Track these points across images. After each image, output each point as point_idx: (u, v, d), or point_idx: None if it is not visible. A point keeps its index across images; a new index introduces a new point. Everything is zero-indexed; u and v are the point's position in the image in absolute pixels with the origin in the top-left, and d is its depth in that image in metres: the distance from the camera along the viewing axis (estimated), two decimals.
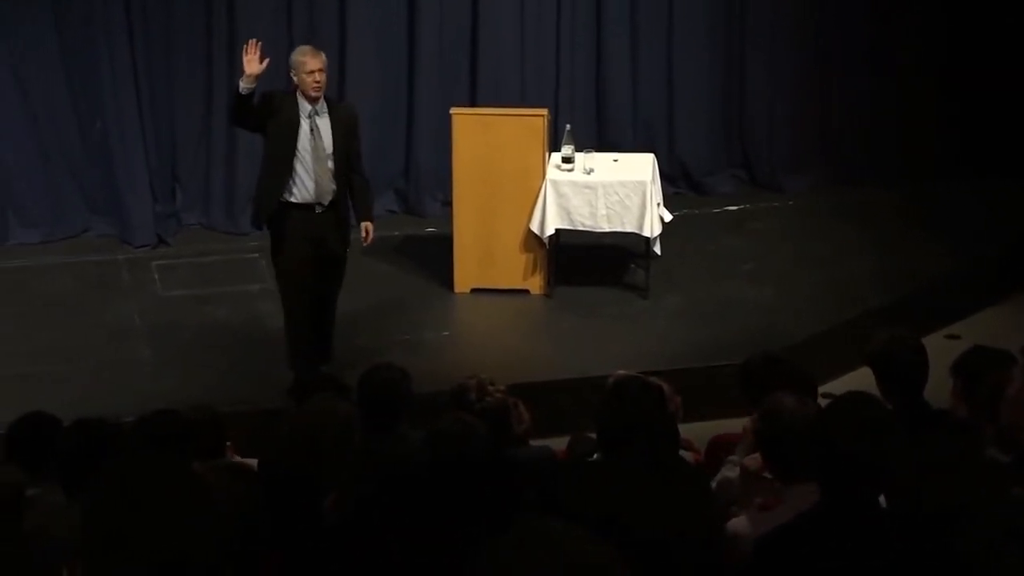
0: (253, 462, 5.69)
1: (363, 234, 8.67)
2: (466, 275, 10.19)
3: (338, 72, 11.06)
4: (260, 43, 8.17)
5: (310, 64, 8.19)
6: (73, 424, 5.91)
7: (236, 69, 10.88)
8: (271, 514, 4.33)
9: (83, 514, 2.69)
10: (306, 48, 8.48)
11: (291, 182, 8.25)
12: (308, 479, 4.76)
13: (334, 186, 8.32)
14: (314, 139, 8.24)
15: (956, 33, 12.09)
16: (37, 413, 6.08)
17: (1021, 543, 2.20)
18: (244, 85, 8.08)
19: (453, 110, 10.20)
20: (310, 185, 8.26)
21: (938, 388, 5.86)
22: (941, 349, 6.88)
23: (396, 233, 11.03)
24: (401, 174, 11.52)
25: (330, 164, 8.28)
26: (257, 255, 10.43)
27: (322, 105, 8.29)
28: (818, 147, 12.23)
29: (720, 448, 6.24)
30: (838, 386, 7.81)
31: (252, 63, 8.07)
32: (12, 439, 5.90)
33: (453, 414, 5.78)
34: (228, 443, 6.26)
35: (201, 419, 6.28)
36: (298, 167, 8.23)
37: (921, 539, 2.27)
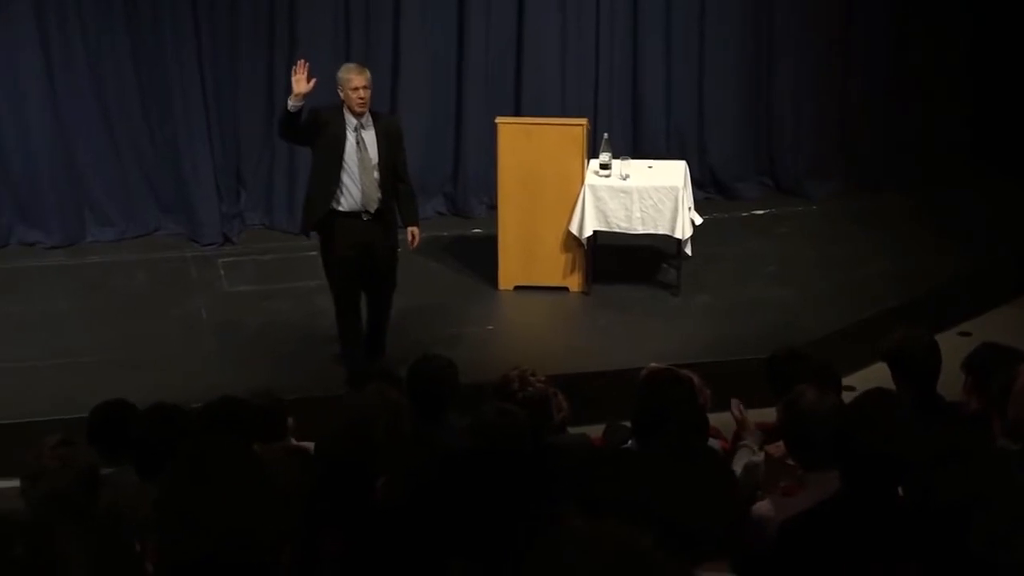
0: (310, 446, 5.72)
1: (409, 238, 8.68)
2: (509, 273, 10.19)
3: (391, 85, 11.13)
4: (308, 64, 8.19)
5: (355, 81, 8.20)
6: (146, 410, 5.95)
7: None
8: (326, 495, 4.35)
9: (157, 494, 2.71)
10: (351, 66, 8.48)
11: (339, 192, 8.26)
12: (361, 463, 4.78)
13: (379, 195, 8.32)
14: (360, 151, 8.24)
15: (972, 46, 12.03)
16: (114, 400, 6.13)
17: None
18: (292, 103, 8.11)
19: (498, 119, 10.19)
20: (357, 194, 8.27)
21: (951, 382, 5.83)
22: (954, 346, 6.86)
23: (445, 234, 11.05)
24: (450, 179, 11.54)
25: (376, 174, 8.28)
26: (315, 253, 10.34)
27: (367, 119, 8.30)
28: (839, 156, 12.18)
29: (744, 436, 6.23)
30: (856, 380, 7.78)
31: (300, 83, 8.09)
32: (92, 424, 5.96)
33: (496, 403, 5.79)
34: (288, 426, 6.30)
35: (264, 405, 6.32)
36: (345, 178, 8.24)
37: (936, 526, 2.26)
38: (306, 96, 8.10)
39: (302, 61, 8.24)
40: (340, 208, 8.30)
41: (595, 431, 6.78)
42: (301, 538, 3.69)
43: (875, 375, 6.64)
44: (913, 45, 12.03)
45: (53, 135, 10.88)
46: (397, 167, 8.46)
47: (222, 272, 10.64)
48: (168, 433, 5.61)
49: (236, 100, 11.24)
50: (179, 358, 9.11)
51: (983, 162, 11.94)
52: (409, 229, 8.68)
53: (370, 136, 8.29)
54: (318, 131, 8.24)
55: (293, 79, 8.15)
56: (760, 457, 5.67)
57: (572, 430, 6.69)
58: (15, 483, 5.05)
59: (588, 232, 9.90)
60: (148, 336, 9.47)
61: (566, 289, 10.15)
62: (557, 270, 10.15)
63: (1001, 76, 12.02)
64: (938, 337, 6.43)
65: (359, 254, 8.41)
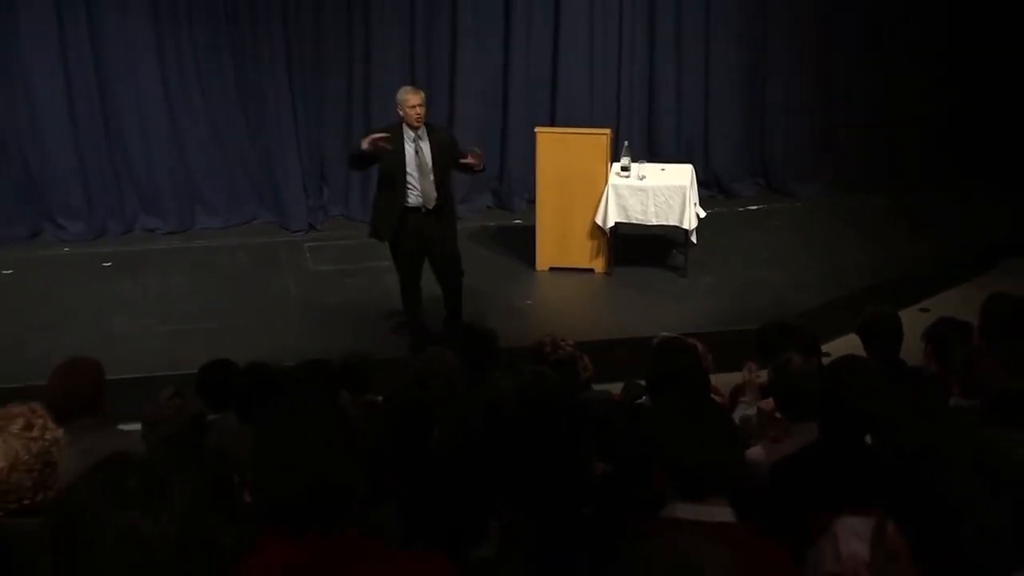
0: (380, 399, 5.73)
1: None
2: (545, 257, 10.19)
3: (449, 103, 11.16)
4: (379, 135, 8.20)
5: (412, 100, 8.21)
6: (246, 367, 6.00)
7: (371, 95, 11.06)
8: (391, 441, 4.36)
9: (254, 437, 2.72)
10: (408, 88, 8.47)
11: (404, 192, 8.26)
12: (420, 414, 4.79)
13: (435, 193, 8.31)
14: (418, 158, 8.24)
15: (937, 67, 11.94)
16: (219, 360, 6.17)
17: (985, 476, 2.16)
18: (365, 147, 8.11)
19: (537, 130, 10.18)
20: (417, 193, 8.28)
21: (913, 350, 5.81)
22: (915, 320, 6.81)
23: (491, 224, 11.06)
24: (496, 179, 11.54)
25: (432, 176, 8.28)
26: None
27: (423, 131, 8.28)
28: (822, 161, 12.11)
29: (740, 394, 6.22)
30: (833, 347, 7.73)
31: (373, 144, 8.08)
32: (200, 379, 6.01)
33: (532, 365, 5.79)
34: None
35: (356, 363, 6.37)
36: (409, 180, 8.25)
37: (899, 470, 2.25)
38: (379, 147, 8.10)
39: (380, 137, 8.21)
40: (407, 203, 8.31)
41: (615, 388, 6.78)
42: (371, 479, 3.70)
43: (849, 343, 6.61)
44: (886, 66, 11.94)
45: (170, 141, 10.95)
46: (455, 160, 8.42)
47: (308, 255, 10.67)
48: (263, 386, 5.65)
49: (320, 112, 11.28)
50: (272, 325, 9.14)
51: (945, 168, 11.84)
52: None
53: (426, 145, 8.27)
54: (384, 151, 8.21)
55: (365, 141, 8.13)
56: (753, 411, 5.66)
57: (596, 387, 6.69)
58: (137, 427, 5.10)
59: (611, 223, 9.88)
60: (246, 307, 9.51)
61: (592, 270, 10.13)
62: (585, 254, 10.13)
63: (962, 95, 11.91)
64: (902, 313, 6.39)
65: (419, 241, 8.41)
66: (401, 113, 8.26)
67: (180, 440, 4.77)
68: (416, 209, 8.31)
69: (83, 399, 5.05)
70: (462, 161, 8.35)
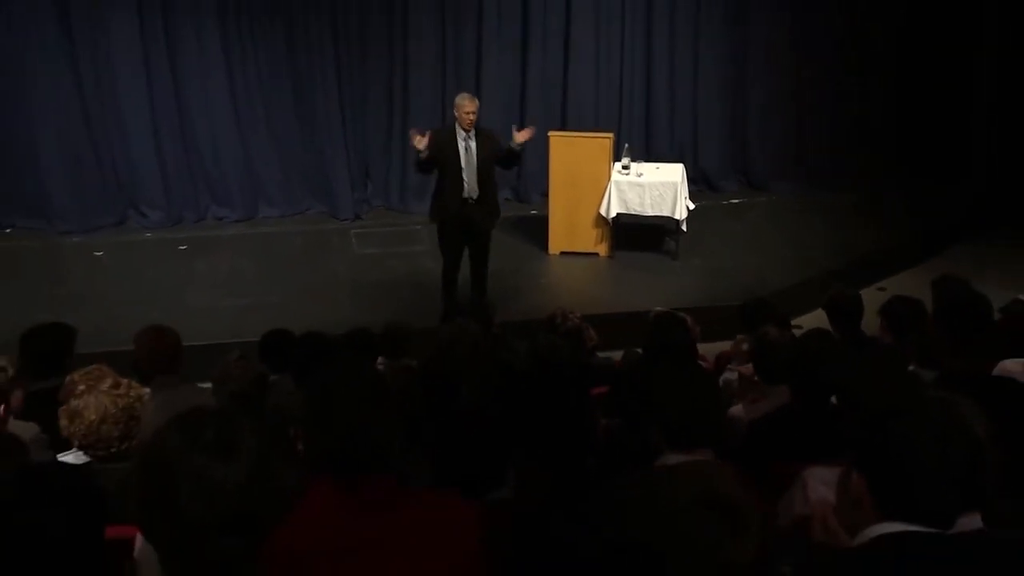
0: (414, 363, 5.72)
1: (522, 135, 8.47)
2: (556, 242, 10.17)
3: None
4: (417, 129, 8.23)
5: (467, 107, 8.25)
6: (301, 335, 6.00)
7: (408, 103, 11.04)
8: (424, 399, 4.35)
9: (304, 396, 2.72)
10: (466, 95, 8.49)
11: (458, 184, 8.30)
12: (449, 376, 4.78)
13: (479, 185, 8.34)
14: (468, 155, 8.28)
15: (896, 79, 11.88)
16: (278, 329, 6.18)
17: (937, 431, 2.14)
18: (424, 153, 8.15)
19: (550, 133, 10.16)
20: (467, 185, 8.32)
21: (871, 323, 5.78)
22: (873, 298, 6.77)
23: (511, 214, 10.96)
24: (515, 176, 11.49)
25: (477, 171, 8.31)
26: (420, 227, 10.48)
27: (472, 133, 8.30)
28: (796, 161, 12.03)
29: (723, 360, 6.20)
30: (804, 320, 7.72)
31: (420, 143, 8.10)
32: (262, 345, 6.00)
33: (545, 334, 5.78)
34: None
35: (395, 332, 6.37)
36: (462, 174, 8.28)
37: (862, 429, 2.23)
38: (428, 147, 8.12)
39: (413, 130, 8.27)
40: (461, 195, 8.36)
41: (616, 355, 6.77)
42: (407, 423, 3.69)
43: (817, 318, 6.58)
44: (850, 80, 11.87)
45: (236, 142, 10.95)
46: (497, 155, 8.44)
47: (354, 240, 10.65)
48: (316, 352, 5.65)
49: (364, 118, 11.24)
50: (323, 300, 9.14)
51: (902, 167, 11.77)
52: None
53: (474, 144, 8.30)
54: (440, 147, 8.25)
55: (413, 142, 8.15)
56: (735, 375, 5.64)
57: (600, 354, 6.68)
58: (208, 385, 5.11)
59: (613, 214, 9.86)
60: (302, 284, 9.52)
61: (597, 254, 10.11)
62: (591, 240, 10.10)
63: (915, 102, 11.83)
64: (862, 292, 6.36)
65: (464, 227, 8.46)
66: (456, 116, 8.30)
67: (245, 397, 4.78)
68: (465, 199, 8.35)
69: (164, 359, 5.08)
70: (514, 138, 8.35)
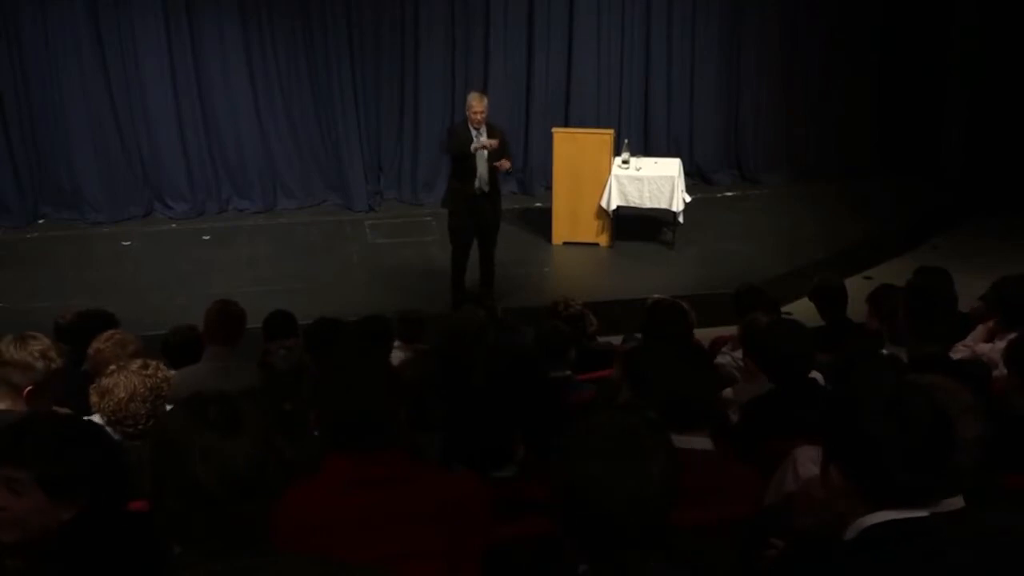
0: (427, 347, 5.72)
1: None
2: (559, 233, 10.15)
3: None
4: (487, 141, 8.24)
5: (475, 106, 8.29)
6: (316, 320, 6.00)
7: (419, 99, 11.04)
8: (436, 379, 4.36)
9: (317, 378, 2.76)
10: (475, 94, 8.54)
11: (471, 177, 8.32)
12: (458, 358, 4.78)
13: (489, 178, 8.39)
14: (480, 151, 8.26)
15: (880, 79, 11.83)
16: (281, 310, 6.16)
17: (907, 413, 2.12)
18: (473, 148, 8.20)
19: (554, 129, 10.16)
20: (477, 177, 8.34)
21: (859, 310, 5.77)
22: (860, 286, 6.78)
23: (516, 206, 10.98)
24: (520, 170, 11.47)
25: (487, 165, 8.33)
26: (430, 218, 10.51)
27: (483, 129, 8.30)
28: (785, 155, 11.99)
29: (718, 344, 6.18)
30: (794, 307, 7.72)
31: (487, 144, 8.19)
32: (265, 323, 6.00)
33: (548, 320, 5.78)
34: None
35: (410, 318, 6.37)
36: (475, 168, 8.32)
37: (843, 408, 2.20)
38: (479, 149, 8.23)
39: (485, 140, 8.25)
40: (472, 187, 8.38)
41: (616, 340, 6.76)
42: (418, 407, 3.70)
43: (806, 305, 6.55)
44: (839, 78, 11.82)
45: (256, 137, 10.94)
46: (504, 153, 8.46)
47: (368, 230, 10.64)
48: (331, 335, 5.65)
49: (378, 114, 11.21)
50: (338, 286, 9.15)
51: (886, 162, 11.73)
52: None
53: (485, 140, 8.29)
54: (459, 140, 8.30)
55: (483, 141, 8.20)
56: (728, 359, 5.63)
57: (601, 339, 6.67)
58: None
59: (613, 206, 9.83)
60: (317, 272, 9.53)
61: (598, 244, 10.09)
62: (592, 231, 10.08)
63: (898, 100, 11.78)
64: (848, 280, 6.36)
65: (474, 217, 8.48)
66: (468, 113, 8.34)
67: (285, 380, 4.73)
68: (473, 191, 8.37)
69: (218, 331, 5.23)
70: (495, 164, 8.36)
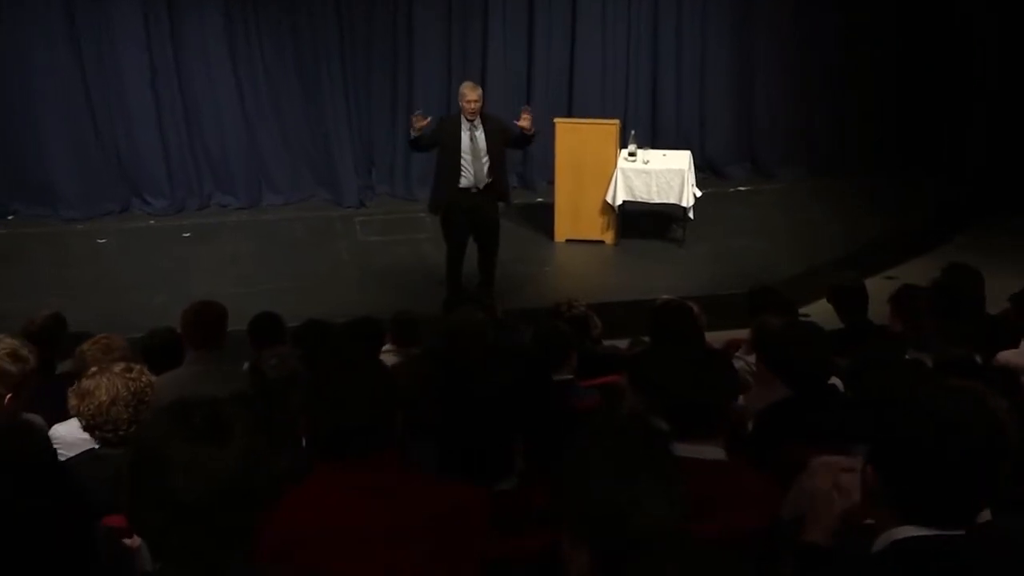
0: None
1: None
2: (562, 230, 10.15)
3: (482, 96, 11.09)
4: (419, 114, 8.24)
5: (468, 96, 8.23)
6: (304, 322, 5.99)
7: (415, 90, 11.05)
8: (431, 382, 4.34)
9: (307, 386, 2.76)
10: (468, 84, 8.50)
11: (459, 174, 8.24)
12: (454, 360, 4.77)
13: (486, 175, 8.31)
14: (473, 144, 8.24)
15: (898, 74, 11.84)
16: (267, 312, 6.14)
17: (936, 420, 2.08)
18: (413, 134, 8.20)
19: (556, 120, 10.13)
20: (470, 175, 8.28)
21: (880, 312, 5.76)
22: (882, 286, 6.76)
23: (517, 201, 10.92)
24: (521, 163, 11.46)
25: (484, 160, 8.27)
26: (424, 215, 10.43)
27: (478, 121, 8.27)
28: (802, 148, 12.00)
29: (731, 348, 6.16)
30: (813, 309, 7.69)
31: (417, 121, 8.15)
32: (252, 325, 5.97)
33: (550, 321, 5.77)
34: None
35: (404, 320, 6.36)
36: (463, 164, 8.23)
37: (866, 413, 2.20)
38: (420, 130, 8.16)
39: (416, 115, 8.26)
40: (460, 185, 8.30)
41: (622, 344, 6.75)
42: (413, 411, 3.70)
43: (824, 306, 6.53)
44: (856, 70, 11.81)
45: (241, 130, 10.96)
46: (507, 142, 8.41)
47: (358, 227, 10.65)
48: (319, 338, 5.64)
49: (369, 106, 11.24)
50: (326, 286, 9.16)
51: (907, 156, 11.72)
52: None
53: (480, 134, 8.27)
54: (442, 133, 8.24)
55: (413, 122, 8.19)
56: (741, 364, 5.62)
57: (605, 342, 6.66)
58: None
59: (619, 201, 9.82)
60: (305, 270, 9.53)
61: (603, 242, 10.09)
62: (596, 228, 10.08)
63: (918, 94, 11.79)
64: (868, 280, 6.35)
65: (469, 217, 8.43)
66: (461, 104, 8.28)
67: (276, 388, 4.72)
68: (467, 189, 8.30)
69: (197, 334, 5.22)
70: (518, 123, 8.30)
